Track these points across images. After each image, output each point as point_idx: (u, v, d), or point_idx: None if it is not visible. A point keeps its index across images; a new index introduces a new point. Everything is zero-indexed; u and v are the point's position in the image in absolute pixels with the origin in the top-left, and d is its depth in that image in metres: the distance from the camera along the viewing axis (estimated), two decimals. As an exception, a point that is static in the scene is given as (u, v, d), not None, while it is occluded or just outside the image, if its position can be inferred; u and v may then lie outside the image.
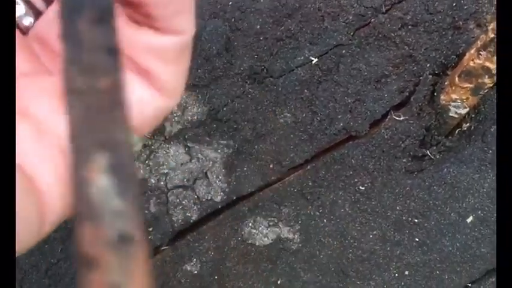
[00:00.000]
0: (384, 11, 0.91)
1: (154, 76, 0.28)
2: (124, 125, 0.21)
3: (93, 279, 0.19)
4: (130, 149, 0.20)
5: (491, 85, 0.86)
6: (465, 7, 0.90)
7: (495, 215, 0.93)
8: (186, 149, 0.92)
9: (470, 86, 0.87)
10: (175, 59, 0.28)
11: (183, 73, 0.29)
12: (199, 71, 0.91)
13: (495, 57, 0.82)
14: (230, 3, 0.91)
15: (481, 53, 0.83)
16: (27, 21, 0.30)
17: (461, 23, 0.91)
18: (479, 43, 0.84)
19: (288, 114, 0.92)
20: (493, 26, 0.81)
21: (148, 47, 0.27)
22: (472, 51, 0.85)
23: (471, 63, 0.85)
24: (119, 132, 0.20)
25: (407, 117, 0.91)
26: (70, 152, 0.20)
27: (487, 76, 0.85)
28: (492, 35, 0.81)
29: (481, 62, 0.84)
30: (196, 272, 0.93)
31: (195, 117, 0.92)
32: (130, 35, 0.27)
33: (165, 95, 0.29)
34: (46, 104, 0.26)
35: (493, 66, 0.83)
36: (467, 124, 0.93)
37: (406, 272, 0.93)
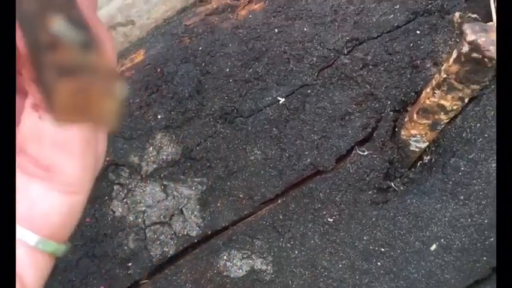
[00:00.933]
0: (345, 52, 0.96)
1: (59, 172, 0.28)
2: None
3: (66, 84, 0.23)
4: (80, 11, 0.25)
5: (447, 121, 0.92)
6: (422, 47, 0.96)
7: (457, 242, 0.98)
8: (162, 187, 0.97)
9: (428, 122, 0.92)
10: (81, 152, 0.28)
11: (90, 167, 0.29)
12: (172, 113, 0.96)
13: (449, 96, 0.88)
14: (200, 48, 0.96)
15: (435, 92, 0.88)
16: None
17: (418, 62, 0.96)
18: (433, 82, 0.89)
19: (258, 152, 0.97)
20: (445, 66, 0.86)
21: (53, 139, 0.27)
22: (428, 89, 0.90)
23: (427, 101, 0.90)
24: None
25: (371, 152, 0.96)
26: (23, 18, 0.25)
27: (442, 113, 0.90)
28: (444, 75, 0.86)
29: (436, 100, 0.89)
30: (174, 304, 0.97)
31: (170, 157, 0.97)
32: (34, 126, 0.28)
33: (72, 192, 0.29)
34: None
35: (447, 103, 0.89)
36: (428, 157, 0.98)
37: (375, 299, 0.98)
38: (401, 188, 0.98)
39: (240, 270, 0.98)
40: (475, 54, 0.80)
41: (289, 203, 0.97)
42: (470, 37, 0.79)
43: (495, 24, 0.83)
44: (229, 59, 0.96)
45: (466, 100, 0.88)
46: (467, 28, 0.80)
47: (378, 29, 0.96)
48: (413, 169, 0.98)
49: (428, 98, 0.90)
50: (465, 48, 0.80)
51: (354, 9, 0.96)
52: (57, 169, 0.28)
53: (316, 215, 0.97)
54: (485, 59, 0.79)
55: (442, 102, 0.89)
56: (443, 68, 0.87)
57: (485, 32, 0.80)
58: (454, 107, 0.89)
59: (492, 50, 0.78)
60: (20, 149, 0.26)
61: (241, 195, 0.97)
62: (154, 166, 0.97)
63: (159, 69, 0.95)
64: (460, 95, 0.87)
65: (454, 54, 0.83)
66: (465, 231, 0.97)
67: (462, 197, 0.97)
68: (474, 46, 0.79)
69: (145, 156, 0.96)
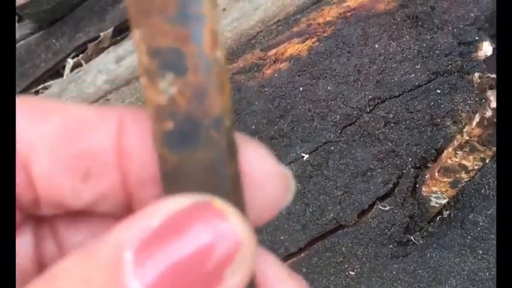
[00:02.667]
0: (368, 110, 0.99)
1: None
2: None
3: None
4: None
5: (468, 179, 0.94)
6: (442, 106, 0.99)
7: (475, 295, 1.00)
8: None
9: (449, 180, 0.94)
10: None
11: None
12: (199, 168, 0.98)
13: (470, 156, 0.90)
14: (227, 106, 0.99)
15: (457, 152, 0.91)
16: None
17: (439, 120, 0.99)
18: (455, 143, 0.92)
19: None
20: (467, 129, 0.89)
21: None
22: (450, 149, 0.93)
23: (449, 161, 0.92)
24: None
25: (392, 207, 0.99)
26: None
27: (463, 172, 0.93)
28: (467, 137, 0.89)
29: (457, 160, 0.91)
30: None
31: (196, 211, 0.99)
32: None
33: None
34: None
35: (468, 163, 0.91)
36: (448, 212, 1.01)
37: None
38: (421, 242, 1.00)
39: (264, 322, 0.99)
40: (497, 120, 0.82)
41: (312, 257, 1.00)
42: (494, 103, 0.82)
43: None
44: (255, 116, 0.99)
45: (488, 160, 0.91)
46: (491, 95, 0.83)
47: (400, 88, 0.99)
48: (432, 223, 1.01)
49: (450, 158, 0.92)
50: (488, 113, 0.83)
51: (376, 68, 0.99)
52: None
53: (339, 268, 1.00)
54: (507, 124, 0.82)
55: (464, 162, 0.91)
56: (465, 130, 0.90)
57: (507, 98, 0.83)
58: (476, 167, 0.92)
59: (514, 116, 0.81)
60: None
61: (266, 249, 0.99)
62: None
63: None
64: (482, 156, 0.89)
65: (477, 118, 0.86)
66: (483, 285, 1.00)
67: (481, 251, 1.00)
68: (497, 112, 0.82)
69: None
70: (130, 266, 0.20)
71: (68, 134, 0.25)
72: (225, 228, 0.21)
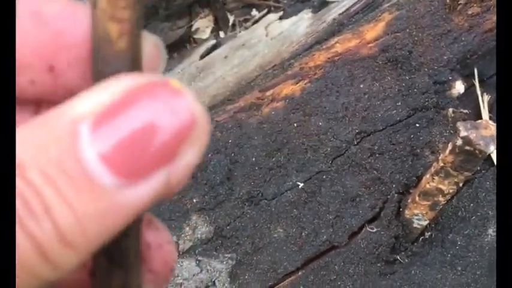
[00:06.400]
0: (355, 143, 1.11)
1: None
2: None
3: None
4: None
5: (445, 202, 1.06)
6: (421, 138, 1.11)
7: (457, 308, 1.11)
8: (197, 262, 1.10)
9: (428, 203, 1.06)
10: None
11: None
12: (205, 197, 1.10)
13: (446, 181, 1.02)
14: (230, 141, 1.11)
15: (434, 178, 1.03)
16: None
17: (418, 150, 1.11)
18: (432, 170, 1.04)
19: (281, 230, 1.11)
20: (442, 156, 1.01)
21: None
22: (428, 176, 1.05)
23: (427, 186, 1.04)
24: None
25: (379, 229, 1.11)
26: None
27: (441, 195, 1.05)
28: (441, 164, 1.01)
29: (435, 184, 1.03)
30: None
31: (204, 235, 1.10)
32: None
33: None
34: None
35: (444, 187, 1.03)
36: (429, 233, 1.12)
37: None
38: (406, 261, 1.11)
39: (266, 336, 1.10)
40: (467, 147, 0.94)
41: (309, 275, 1.11)
42: (463, 133, 0.94)
43: (484, 122, 0.99)
44: (255, 149, 1.11)
45: (461, 184, 1.03)
46: (460, 125, 0.95)
47: (383, 123, 1.12)
48: (416, 244, 1.12)
49: (428, 183, 1.04)
50: (459, 142, 0.95)
51: (362, 106, 1.12)
52: None
53: (332, 285, 1.10)
54: (476, 151, 0.94)
55: (440, 186, 1.04)
56: (440, 157, 1.02)
57: (475, 128, 0.95)
58: (451, 191, 1.04)
59: (482, 144, 0.94)
60: None
61: (266, 269, 1.10)
62: (190, 244, 1.10)
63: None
64: (456, 180, 1.02)
65: (450, 147, 0.98)
66: (463, 298, 1.11)
67: (460, 268, 1.11)
68: (467, 141, 0.94)
69: (182, 235, 1.10)
70: (86, 137, 0.21)
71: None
72: (180, 105, 0.22)
